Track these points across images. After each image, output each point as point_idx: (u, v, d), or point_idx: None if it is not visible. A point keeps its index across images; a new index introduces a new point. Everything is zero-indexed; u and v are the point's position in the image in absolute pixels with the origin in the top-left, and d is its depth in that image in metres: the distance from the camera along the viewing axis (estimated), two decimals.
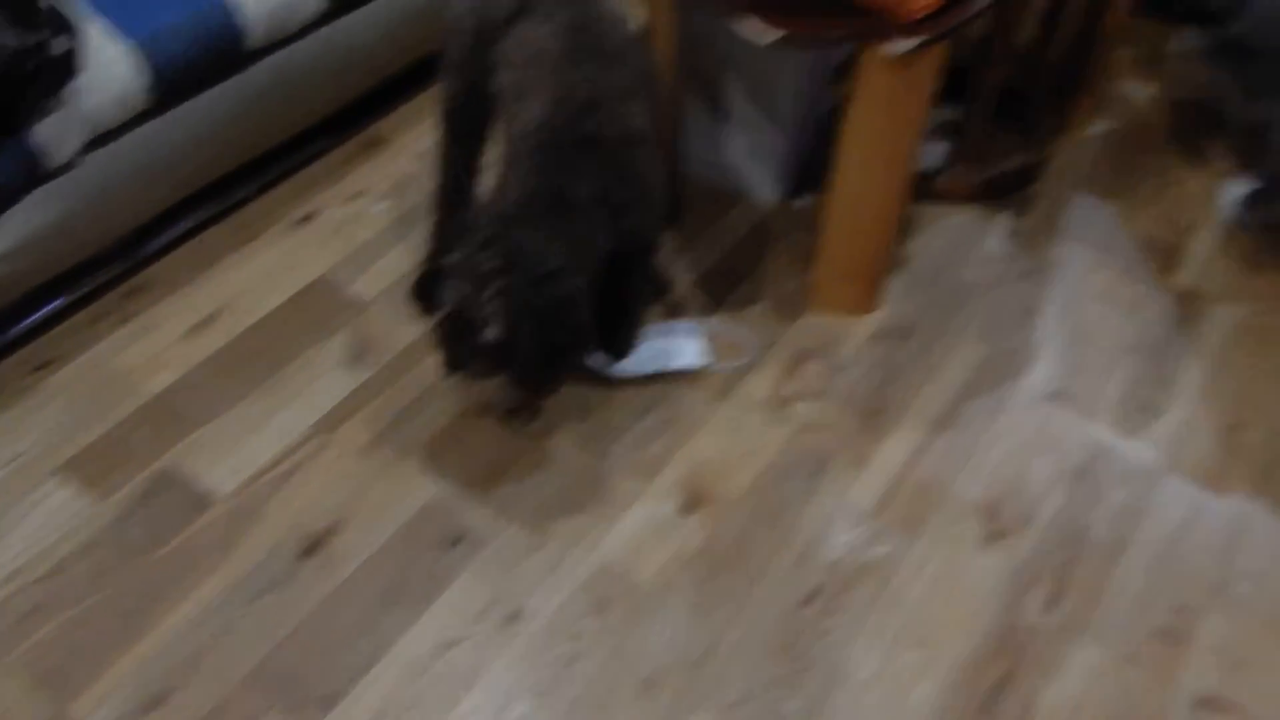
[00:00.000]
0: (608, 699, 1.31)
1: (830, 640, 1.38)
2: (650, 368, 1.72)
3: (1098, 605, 1.44)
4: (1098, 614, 1.43)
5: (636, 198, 1.50)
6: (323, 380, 1.69)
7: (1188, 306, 1.86)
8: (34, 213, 1.61)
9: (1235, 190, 2.04)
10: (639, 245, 1.60)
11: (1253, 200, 2.01)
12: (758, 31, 1.51)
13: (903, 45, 1.48)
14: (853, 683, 1.34)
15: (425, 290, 1.56)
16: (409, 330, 1.78)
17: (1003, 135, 2.13)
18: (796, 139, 2.02)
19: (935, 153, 2.09)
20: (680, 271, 1.91)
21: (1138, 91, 2.30)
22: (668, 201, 2.00)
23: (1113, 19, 2.08)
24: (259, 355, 1.73)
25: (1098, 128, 2.22)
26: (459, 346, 1.49)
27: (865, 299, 1.85)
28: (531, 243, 1.39)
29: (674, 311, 1.83)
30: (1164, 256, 1.96)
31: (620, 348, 1.71)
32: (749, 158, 2.05)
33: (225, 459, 1.57)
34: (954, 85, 1.94)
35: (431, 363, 1.73)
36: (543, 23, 1.52)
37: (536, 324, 1.41)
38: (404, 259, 1.91)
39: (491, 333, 1.41)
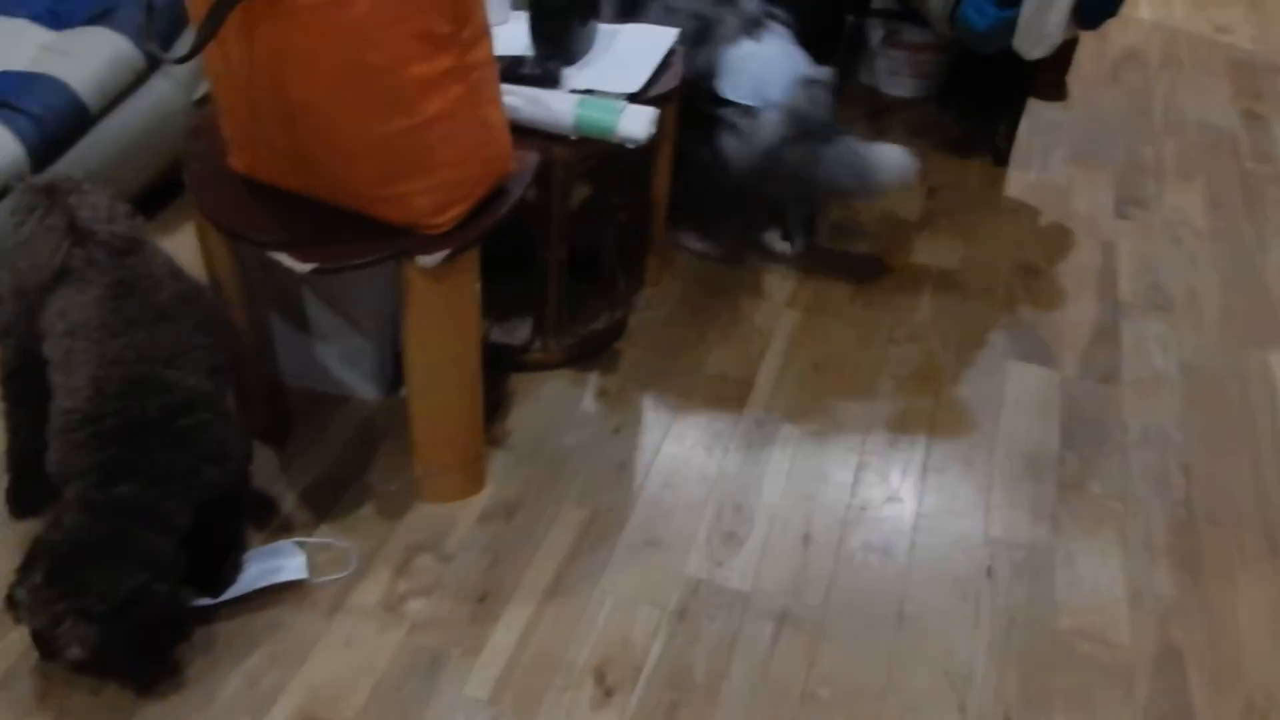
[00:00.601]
0: None
1: None
2: (250, 588, 1.68)
3: None
4: None
5: (204, 459, 1.50)
6: None
7: (759, 433, 2.06)
8: None
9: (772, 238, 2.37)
10: (224, 494, 1.58)
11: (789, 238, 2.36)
12: (292, 263, 1.56)
13: (433, 259, 1.59)
14: None
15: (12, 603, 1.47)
16: None
17: (584, 298, 2.30)
18: (385, 337, 2.09)
19: (522, 327, 2.22)
20: (286, 487, 1.90)
21: (700, 240, 2.56)
22: (267, 425, 2.00)
23: (659, 183, 2.31)
24: None
25: (670, 279, 2.45)
26: (51, 655, 1.45)
27: (468, 483, 1.92)
28: (98, 574, 1.38)
29: (280, 530, 1.80)
30: (737, 390, 2.17)
31: (221, 586, 1.67)
32: (342, 363, 2.09)
33: None
34: (528, 259, 2.09)
35: (16, 638, 1.60)
36: (81, 290, 1.50)
37: (126, 640, 1.39)
38: None
39: (75, 654, 1.37)
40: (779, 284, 2.45)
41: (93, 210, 1.55)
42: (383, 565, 1.77)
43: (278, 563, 1.72)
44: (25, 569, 1.42)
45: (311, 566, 1.73)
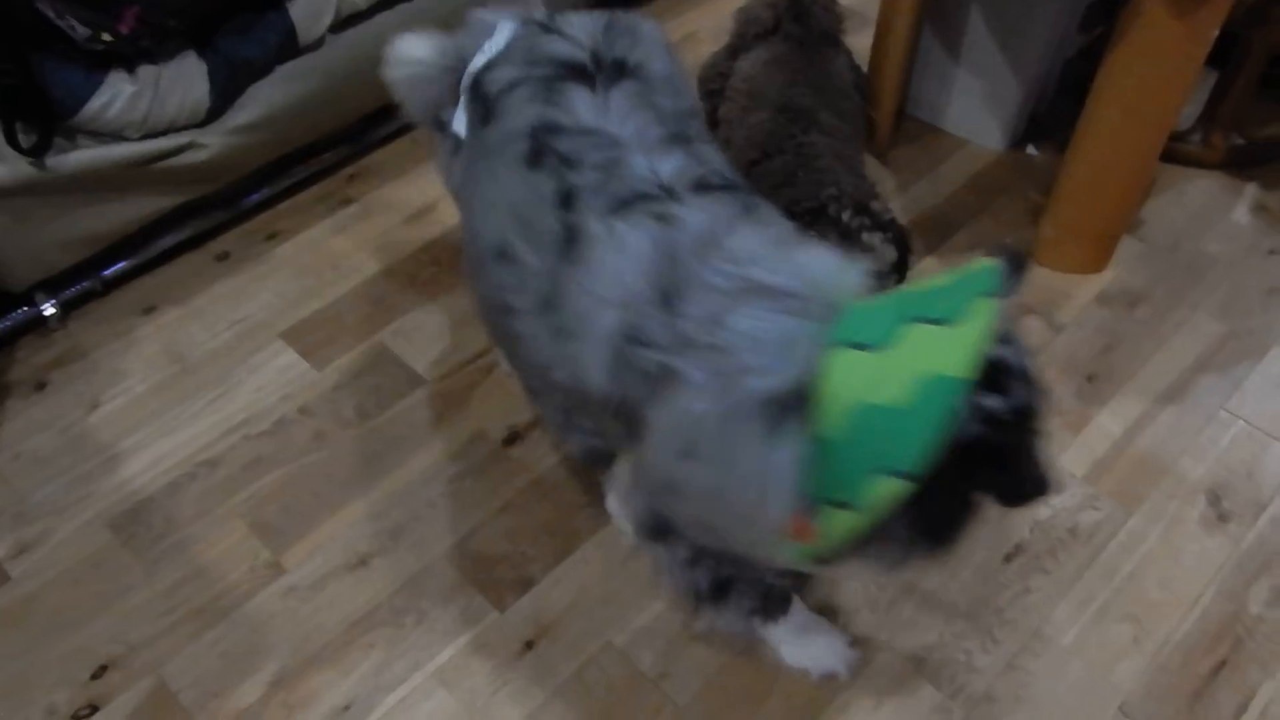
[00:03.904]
0: None
1: (1031, 600, 1.32)
2: None
3: None
4: None
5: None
6: None
7: None
8: (279, 88, 1.66)
9: None
10: None
11: None
12: None
13: None
14: (1054, 647, 1.28)
15: None
16: None
17: (1266, 100, 1.97)
18: (1033, 87, 1.91)
19: (1185, 113, 1.94)
20: (897, 213, 1.83)
21: None
22: (882, 146, 1.94)
23: None
24: None
25: None
26: None
27: (1095, 259, 1.74)
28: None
29: None
30: None
31: None
32: (980, 103, 1.95)
33: (433, 345, 1.61)
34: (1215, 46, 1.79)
35: None
36: (768, 50, 1.70)
37: None
38: None
39: None
40: None
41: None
42: None
43: None
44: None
45: None
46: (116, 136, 1.51)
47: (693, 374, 0.87)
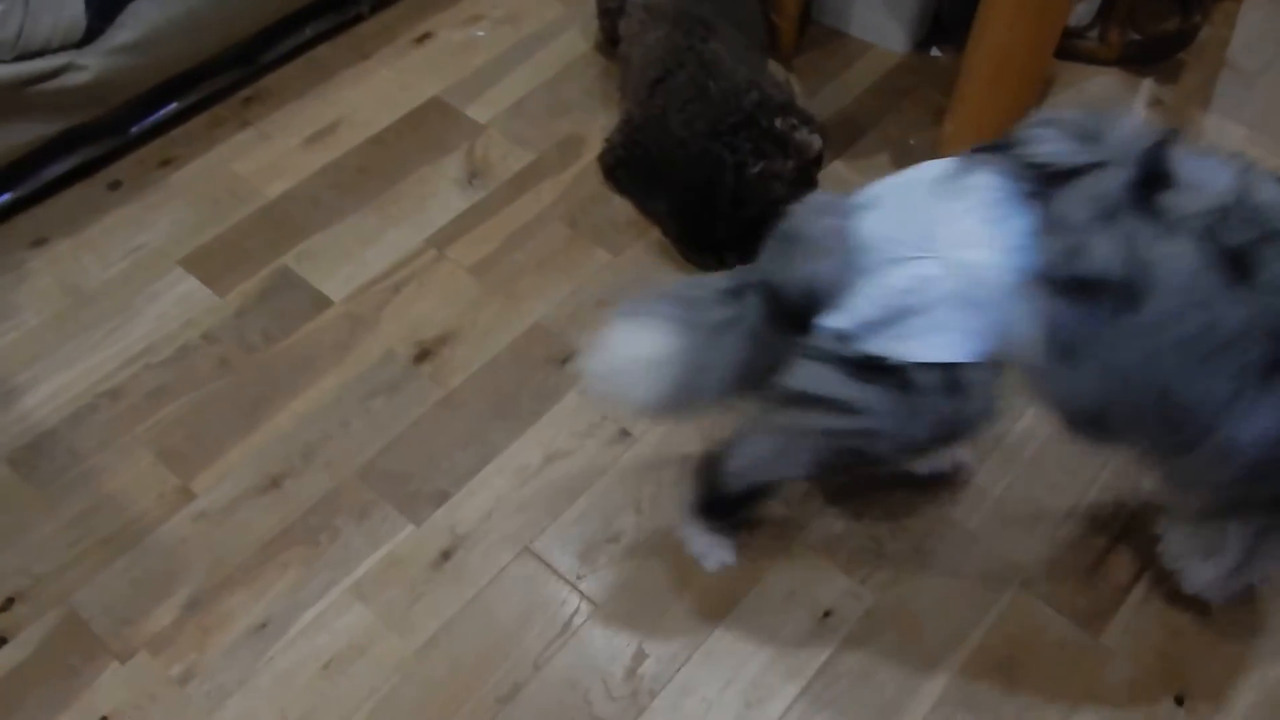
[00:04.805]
0: None
1: (938, 487, 1.36)
2: None
3: None
4: None
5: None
6: (436, 197, 1.68)
7: None
8: (160, 5, 1.61)
9: None
10: None
11: None
12: None
13: None
14: (959, 530, 1.32)
15: None
16: (522, 156, 1.75)
17: (1156, 0, 1.99)
18: None
19: (1082, 11, 1.96)
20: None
21: None
22: (788, 53, 1.94)
23: None
24: (374, 168, 1.72)
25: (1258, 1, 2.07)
26: None
27: None
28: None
29: None
30: None
31: None
32: (884, 6, 1.95)
33: (339, 267, 1.58)
34: None
35: (543, 189, 1.70)
36: None
37: None
38: (518, 86, 1.87)
39: None
40: None
41: None
42: None
43: None
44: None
45: None
46: None
47: None
